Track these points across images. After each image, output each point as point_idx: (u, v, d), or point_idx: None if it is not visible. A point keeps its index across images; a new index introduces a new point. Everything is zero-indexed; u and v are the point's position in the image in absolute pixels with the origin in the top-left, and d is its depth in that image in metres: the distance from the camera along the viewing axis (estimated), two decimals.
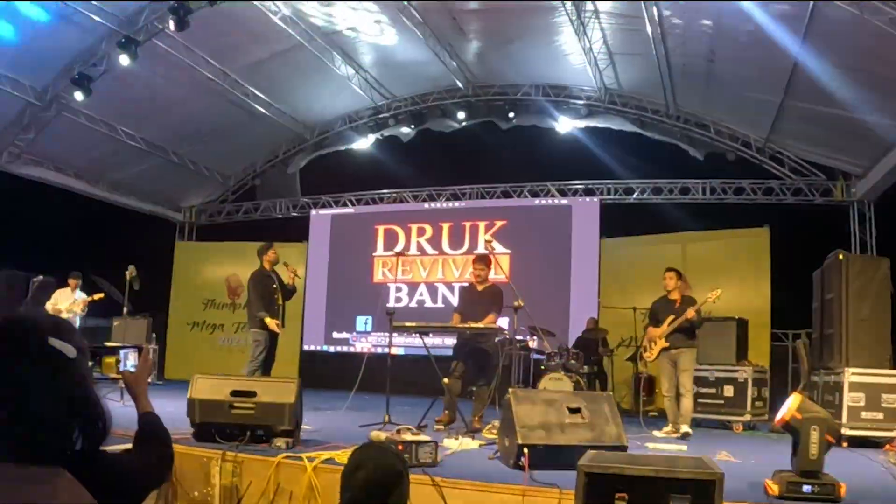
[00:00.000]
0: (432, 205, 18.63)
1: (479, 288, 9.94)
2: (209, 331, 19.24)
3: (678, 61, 13.79)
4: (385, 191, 19.26)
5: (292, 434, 6.81)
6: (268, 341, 10.22)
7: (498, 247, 15.99)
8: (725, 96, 14.91)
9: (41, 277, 13.76)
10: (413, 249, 17.97)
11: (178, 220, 20.89)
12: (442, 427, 9.12)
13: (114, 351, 2.84)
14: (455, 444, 7.46)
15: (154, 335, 15.93)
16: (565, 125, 16.97)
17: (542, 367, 12.26)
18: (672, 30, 12.70)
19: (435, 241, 17.98)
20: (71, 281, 13.40)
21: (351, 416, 9.86)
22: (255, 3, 13.18)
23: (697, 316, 9.64)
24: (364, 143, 18.68)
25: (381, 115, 18.20)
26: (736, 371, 11.06)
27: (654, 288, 10.79)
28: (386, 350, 10.01)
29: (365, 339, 17.65)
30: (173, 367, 17.72)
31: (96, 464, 2.00)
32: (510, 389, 6.72)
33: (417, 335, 9.87)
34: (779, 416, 5.50)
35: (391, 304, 16.13)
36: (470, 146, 18.54)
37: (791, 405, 5.42)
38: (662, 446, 8.43)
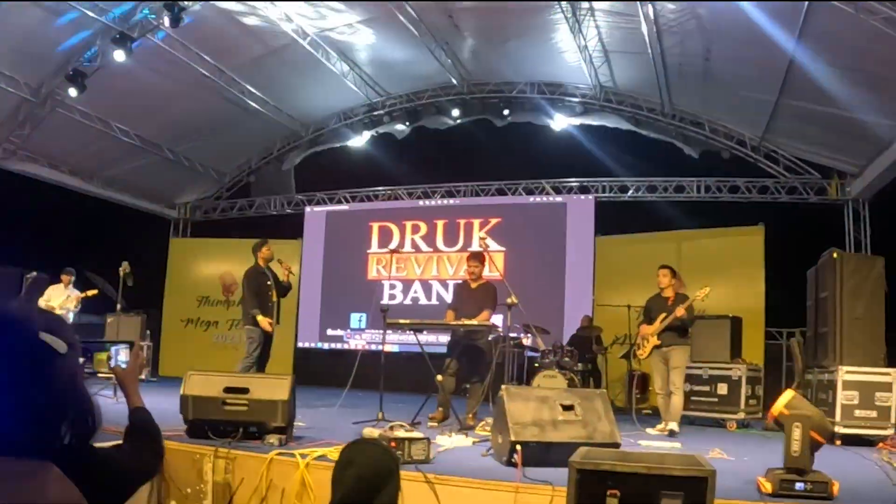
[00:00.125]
0: (427, 202, 18.63)
1: (474, 285, 9.96)
2: (203, 328, 19.21)
3: (674, 60, 13.78)
4: (380, 188, 19.24)
5: (285, 431, 6.80)
6: (262, 338, 10.19)
7: (492, 244, 15.97)
8: (721, 95, 14.91)
9: (35, 274, 13.72)
10: (408, 246, 17.97)
11: (173, 216, 20.86)
12: (435, 424, 9.14)
13: (105, 347, 2.83)
14: (448, 441, 7.46)
15: (148, 332, 15.91)
16: (560, 123, 16.96)
17: (537, 365, 12.28)
18: (668, 28, 12.69)
19: (429, 239, 17.97)
20: (64, 277, 13.38)
21: (344, 412, 9.85)
22: (252, 2, 13.19)
23: (687, 314, 9.64)
24: (359, 141, 18.65)
25: (375, 112, 18.17)
26: (730, 369, 11.06)
27: (649, 286, 10.78)
28: (380, 347, 10.00)
29: (359, 336, 17.63)
30: (167, 363, 17.70)
31: (85, 458, 1.99)
32: (503, 386, 6.72)
33: (411, 332, 9.89)
34: (771, 411, 5.53)
35: (385, 301, 16.13)
36: (465, 143, 18.54)
37: (781, 401, 5.44)
38: (656, 444, 8.44)
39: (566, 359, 12.20)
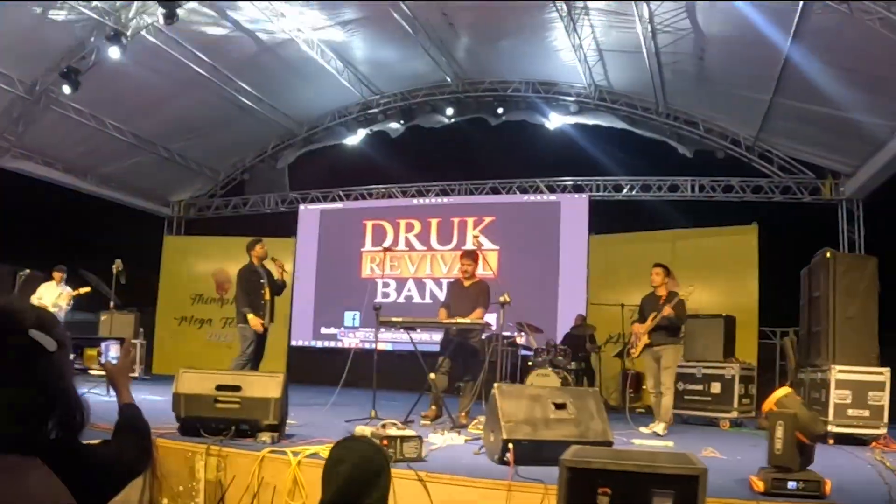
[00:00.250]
0: (421, 200, 18.63)
1: (467, 283, 9.95)
2: (197, 326, 19.19)
3: (668, 59, 13.79)
4: (374, 186, 19.24)
5: (277, 429, 6.78)
6: (255, 336, 10.18)
7: (486, 243, 15.99)
8: (715, 94, 14.93)
9: (28, 271, 13.71)
10: (401, 245, 17.95)
11: (167, 214, 20.83)
12: (428, 422, 9.11)
13: (95, 343, 2.82)
14: (441, 439, 7.45)
15: (142, 330, 15.87)
16: (555, 122, 16.97)
17: (530, 364, 12.29)
18: (662, 28, 12.69)
19: (423, 237, 17.96)
20: (55, 274, 13.35)
21: (337, 411, 9.83)
22: (249, 1, 13.19)
23: (675, 313, 9.64)
24: (353, 139, 18.65)
25: (370, 111, 18.18)
26: (723, 368, 11.06)
27: (643, 285, 10.79)
28: (373, 345, 9.98)
29: (353, 335, 17.60)
30: (161, 362, 17.67)
31: (72, 454, 1.99)
32: (495, 385, 6.70)
33: (404, 330, 9.86)
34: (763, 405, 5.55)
35: (379, 299, 16.12)
36: (459, 142, 18.53)
37: (773, 397, 5.45)
38: (649, 442, 8.44)
39: (559, 357, 12.21)
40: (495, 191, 18.17)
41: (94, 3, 12.73)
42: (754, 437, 9.63)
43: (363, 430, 6.97)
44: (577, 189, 17.45)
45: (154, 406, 9.13)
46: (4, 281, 14.47)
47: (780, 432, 5.22)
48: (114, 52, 13.11)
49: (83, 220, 19.78)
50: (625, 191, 17.23)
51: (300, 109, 18.32)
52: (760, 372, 12.40)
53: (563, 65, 15.50)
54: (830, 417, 8.94)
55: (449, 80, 16.81)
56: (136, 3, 12.99)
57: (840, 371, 9.10)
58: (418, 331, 10.75)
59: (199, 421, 6.78)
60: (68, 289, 13.24)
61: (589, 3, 12.84)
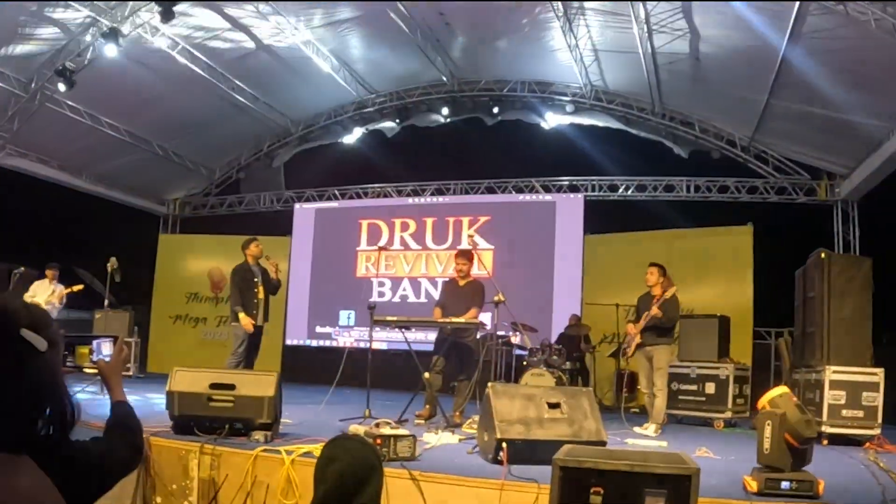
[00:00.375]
0: (416, 200, 18.62)
1: (462, 283, 9.95)
2: (192, 324, 19.17)
3: (664, 59, 13.79)
4: (369, 185, 19.25)
5: (271, 427, 6.78)
6: (246, 335, 10.16)
7: (481, 242, 15.99)
8: (711, 95, 14.95)
9: (22, 269, 13.67)
10: (396, 244, 17.96)
11: (162, 212, 20.81)
12: (422, 421, 9.12)
13: (87, 341, 2.81)
14: (435, 438, 7.46)
15: (136, 328, 15.84)
16: (551, 121, 16.97)
17: (525, 363, 12.30)
18: (658, 28, 12.70)
19: (419, 236, 17.96)
20: (48, 272, 13.32)
21: (331, 410, 9.82)
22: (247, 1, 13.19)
23: (663, 313, 9.64)
24: (349, 138, 18.63)
25: (365, 110, 18.17)
26: (717, 368, 11.06)
27: (637, 285, 10.78)
28: (368, 344, 9.98)
29: (348, 334, 17.61)
30: (156, 360, 17.66)
31: (61, 451, 2.00)
32: (489, 384, 6.71)
33: (399, 330, 9.85)
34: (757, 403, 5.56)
35: (374, 298, 16.12)
36: (455, 141, 18.56)
37: (768, 395, 5.46)
38: (643, 442, 8.45)
39: (554, 357, 12.23)
40: (491, 190, 18.17)
41: (91, 2, 12.72)
42: (748, 437, 9.64)
43: (357, 428, 6.97)
44: (573, 189, 17.46)
45: (148, 404, 9.18)
46: None
47: (768, 432, 5.24)
48: (110, 50, 13.08)
49: (78, 218, 19.78)
50: (620, 191, 17.25)
51: (296, 108, 18.31)
52: (755, 372, 12.43)
53: (559, 65, 15.50)
54: (824, 418, 8.94)
55: (445, 79, 16.81)
56: (132, 1, 12.97)
57: (834, 372, 9.09)
58: (413, 330, 10.72)
59: (192, 419, 6.78)
60: (61, 287, 13.21)
61: (585, 3, 12.83)
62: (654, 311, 9.63)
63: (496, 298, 9.10)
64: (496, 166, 18.21)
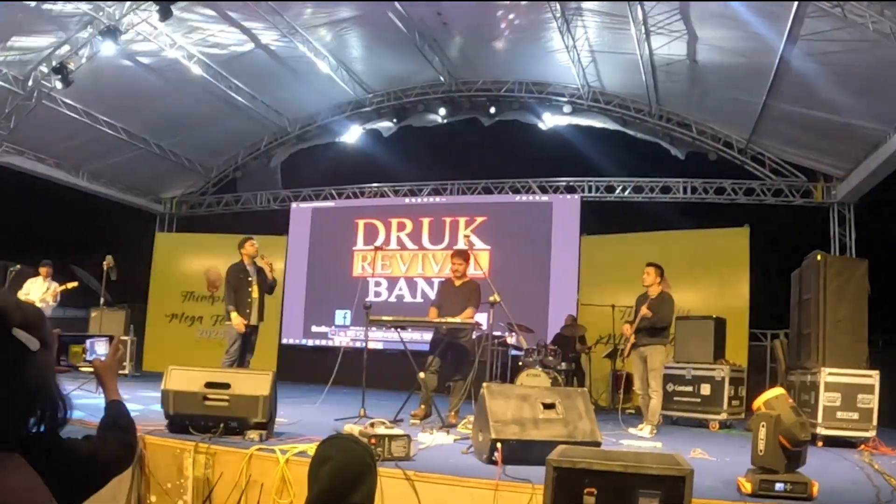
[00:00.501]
0: (413, 200, 18.63)
1: (457, 283, 9.94)
2: (188, 323, 19.15)
3: (661, 61, 13.80)
4: (366, 185, 19.26)
5: (266, 426, 6.77)
6: (238, 334, 10.16)
7: (478, 242, 16.03)
8: (708, 96, 14.96)
9: (18, 266, 13.66)
10: (393, 244, 17.95)
11: (159, 211, 20.82)
12: (417, 421, 9.11)
13: (80, 339, 2.81)
14: (430, 438, 7.45)
15: (132, 326, 15.83)
16: (548, 122, 16.97)
17: (521, 364, 12.30)
18: (656, 29, 12.70)
19: (415, 236, 17.95)
20: (42, 269, 13.29)
21: (327, 409, 9.85)
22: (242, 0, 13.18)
23: (653, 313, 9.64)
24: (346, 137, 18.61)
25: (363, 110, 18.17)
26: (713, 370, 11.06)
27: (633, 286, 10.79)
28: (364, 344, 9.98)
29: (343, 333, 17.60)
30: (152, 358, 17.61)
31: (52, 449, 2.00)
32: (484, 384, 6.70)
33: (395, 329, 9.85)
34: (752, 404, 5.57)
35: (370, 298, 16.11)
36: (452, 142, 18.56)
37: (764, 396, 5.46)
38: (638, 443, 8.45)
39: (550, 358, 12.23)
40: (487, 191, 18.18)
41: (90, 1, 12.71)
42: (743, 438, 9.65)
43: (352, 428, 6.97)
44: (570, 190, 17.47)
45: (143, 403, 9.17)
46: None
47: (762, 433, 5.24)
48: (108, 48, 13.08)
49: (74, 216, 19.76)
50: (617, 192, 17.27)
51: (293, 107, 18.30)
52: (750, 374, 12.45)
53: (556, 65, 15.51)
54: (819, 420, 8.95)
55: (442, 79, 16.84)
56: (130, 0, 12.96)
57: (830, 373, 9.10)
58: (409, 330, 10.74)
59: (187, 418, 6.77)
60: (55, 284, 13.19)
61: (583, 4, 12.84)
62: (644, 311, 9.65)
63: (492, 299, 9.09)
64: (493, 167, 18.22)
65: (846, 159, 14.35)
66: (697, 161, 16.40)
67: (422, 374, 9.26)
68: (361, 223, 18.48)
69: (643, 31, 12.65)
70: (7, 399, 1.89)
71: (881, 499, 5.47)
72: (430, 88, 17.41)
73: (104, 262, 13.89)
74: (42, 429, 1.99)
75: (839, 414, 9.02)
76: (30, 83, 14.43)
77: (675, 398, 11.15)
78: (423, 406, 9.50)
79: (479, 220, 17.36)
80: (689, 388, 11.18)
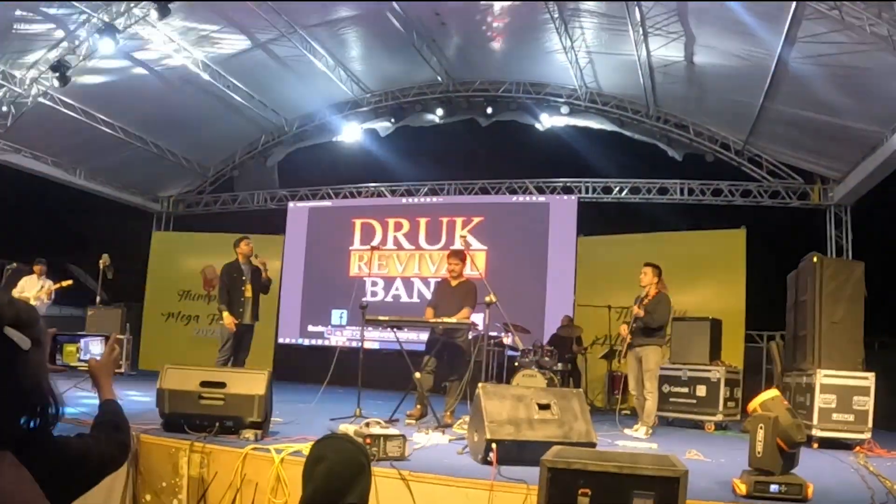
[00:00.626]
0: (410, 200, 18.62)
1: (454, 283, 9.95)
2: (184, 322, 19.12)
3: (659, 62, 13.81)
4: (363, 185, 19.25)
5: (261, 426, 6.76)
6: (230, 333, 10.17)
7: (474, 243, 16.04)
8: (705, 98, 14.98)
9: (15, 265, 13.65)
10: (390, 244, 17.94)
11: (156, 209, 20.79)
12: (413, 421, 9.11)
13: (75, 339, 2.81)
14: (425, 438, 7.44)
15: (128, 325, 15.81)
16: (545, 123, 16.97)
17: (517, 364, 12.29)
18: (654, 31, 12.71)
19: (412, 236, 17.94)
20: (36, 268, 13.28)
21: (322, 409, 9.83)
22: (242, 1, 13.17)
23: (646, 314, 9.63)
24: (343, 137, 18.61)
25: (360, 109, 18.18)
26: (709, 371, 11.05)
27: (630, 287, 10.80)
28: (360, 344, 9.98)
29: (340, 333, 17.59)
30: (148, 357, 17.61)
31: (43, 448, 2.00)
32: (480, 384, 6.69)
33: (391, 329, 9.85)
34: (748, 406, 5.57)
35: (367, 298, 16.11)
36: (449, 142, 18.53)
37: (759, 398, 5.47)
38: (633, 444, 8.44)
39: (546, 358, 12.23)
40: (485, 191, 18.18)
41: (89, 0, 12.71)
42: (738, 440, 9.65)
43: (347, 428, 6.96)
44: (567, 190, 17.47)
45: (139, 401, 9.16)
46: None
47: (760, 435, 5.24)
48: (106, 46, 13.05)
49: (71, 215, 19.77)
50: (614, 193, 17.27)
51: (291, 107, 18.31)
52: (746, 375, 12.45)
53: (554, 66, 15.51)
54: (815, 421, 8.94)
55: (440, 79, 16.85)
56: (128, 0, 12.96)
57: (825, 375, 9.10)
58: (405, 330, 10.74)
59: (183, 417, 6.76)
60: (49, 282, 13.19)
61: (581, 5, 12.84)
62: (636, 310, 9.65)
63: (488, 299, 9.07)
64: (490, 167, 18.22)
65: (843, 161, 14.36)
66: (694, 162, 16.41)
67: (417, 374, 9.26)
68: (358, 223, 18.47)
69: (641, 32, 12.67)
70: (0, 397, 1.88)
71: (876, 501, 5.47)
72: (427, 88, 17.42)
73: (101, 261, 13.89)
74: (34, 426, 1.98)
75: (835, 416, 9.01)
76: (27, 81, 14.41)
77: (671, 399, 11.15)
78: (418, 406, 9.50)
79: (476, 220, 17.36)
80: (685, 390, 11.17)
